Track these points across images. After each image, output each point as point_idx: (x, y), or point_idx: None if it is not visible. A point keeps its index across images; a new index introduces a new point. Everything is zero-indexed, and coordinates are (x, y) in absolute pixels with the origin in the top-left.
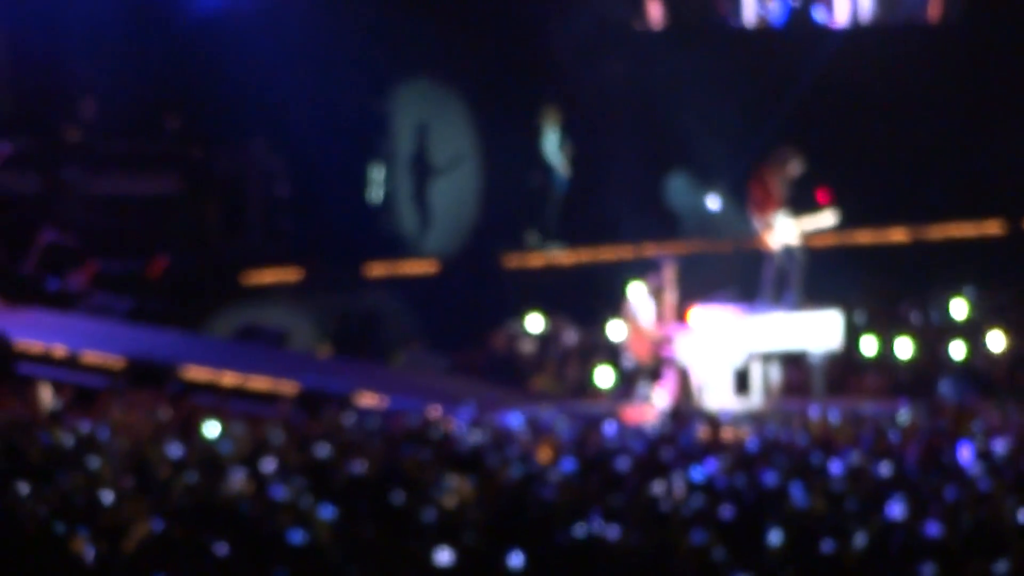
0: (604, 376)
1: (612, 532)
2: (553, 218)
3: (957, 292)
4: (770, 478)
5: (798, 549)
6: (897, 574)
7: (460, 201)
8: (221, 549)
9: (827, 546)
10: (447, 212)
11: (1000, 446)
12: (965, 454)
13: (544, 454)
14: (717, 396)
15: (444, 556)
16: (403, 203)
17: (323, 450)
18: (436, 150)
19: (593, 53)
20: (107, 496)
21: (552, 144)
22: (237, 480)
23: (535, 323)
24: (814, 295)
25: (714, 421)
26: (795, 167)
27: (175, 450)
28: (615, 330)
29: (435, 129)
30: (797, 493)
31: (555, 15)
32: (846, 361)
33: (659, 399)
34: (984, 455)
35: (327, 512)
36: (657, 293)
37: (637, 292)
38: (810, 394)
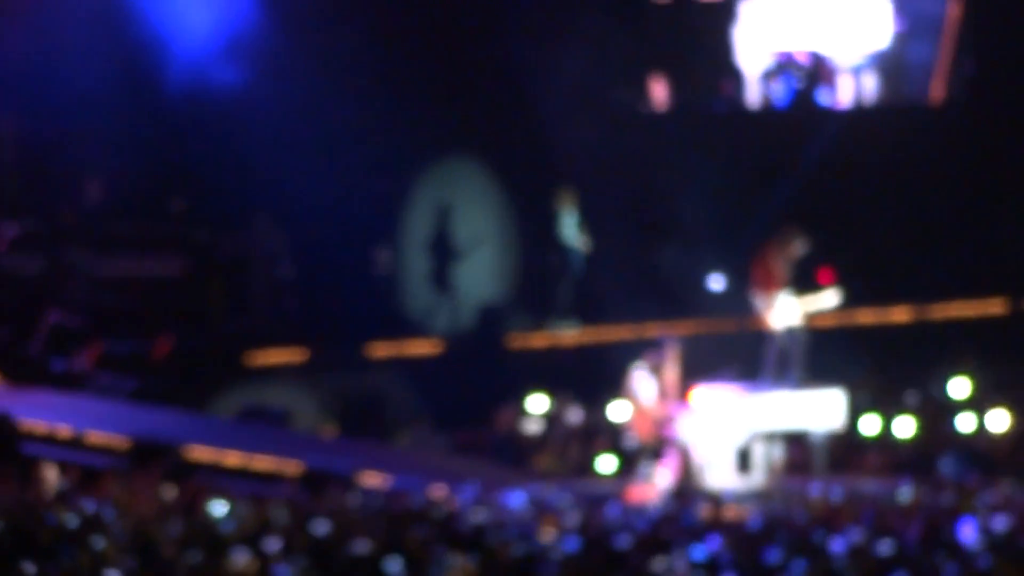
0: (607, 462)
1: None
2: (570, 298)
3: (959, 371)
4: (772, 556)
5: None
6: None
7: (467, 282)
8: None
9: None
10: (455, 292)
11: (1001, 523)
12: (967, 531)
13: (547, 532)
14: (719, 475)
15: None
16: (411, 283)
17: (326, 530)
18: (444, 231)
19: (599, 135)
20: None
21: (569, 226)
22: (240, 559)
23: (538, 403)
24: (816, 374)
25: (716, 500)
26: (798, 247)
27: (178, 529)
28: (617, 410)
29: (444, 210)
30: (799, 571)
31: (564, 98)
32: (848, 440)
33: (661, 478)
34: (985, 532)
35: None
36: (659, 372)
37: (639, 372)
38: (812, 472)
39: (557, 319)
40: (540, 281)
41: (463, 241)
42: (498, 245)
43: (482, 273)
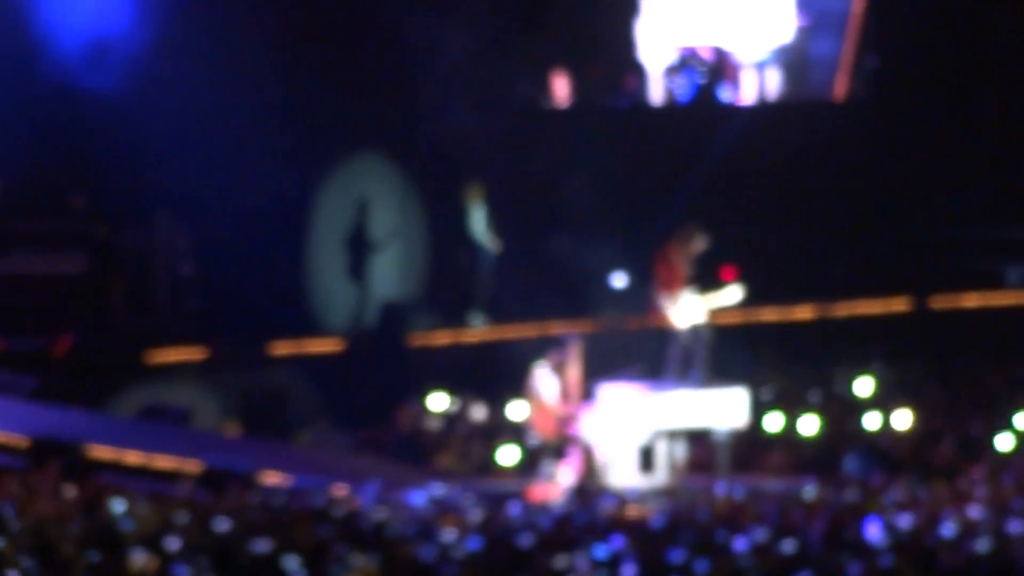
0: (508, 455)
1: None
2: (483, 295)
3: (863, 369)
4: (676, 555)
5: None
6: None
7: (371, 279)
8: None
9: None
10: (359, 289)
11: (905, 522)
12: (873, 530)
13: (449, 531)
14: (622, 474)
15: None
16: (315, 280)
17: (227, 529)
18: (349, 227)
19: (502, 131)
20: None
21: (478, 221)
22: (140, 559)
23: (440, 401)
24: (720, 372)
25: (619, 498)
26: (699, 244)
27: (79, 529)
28: (520, 408)
29: (349, 206)
30: (702, 570)
31: (466, 94)
32: (751, 438)
33: (564, 477)
34: (890, 531)
35: None
36: (562, 370)
37: (542, 370)
38: (715, 471)
39: (470, 316)
40: (449, 277)
41: (368, 237)
42: (404, 241)
43: (386, 270)
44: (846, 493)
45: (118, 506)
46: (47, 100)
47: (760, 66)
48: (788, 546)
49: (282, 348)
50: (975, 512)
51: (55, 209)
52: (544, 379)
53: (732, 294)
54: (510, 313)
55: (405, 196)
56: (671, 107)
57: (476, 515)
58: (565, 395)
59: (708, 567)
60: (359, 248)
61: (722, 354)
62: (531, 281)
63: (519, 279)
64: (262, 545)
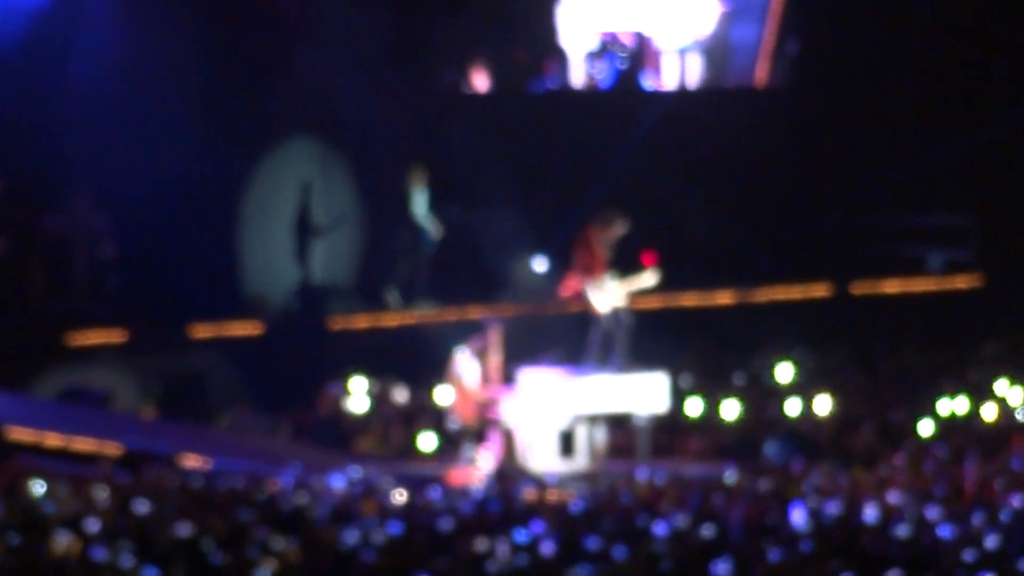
0: (428, 440)
1: None
2: (422, 278)
3: (783, 355)
4: (593, 541)
5: None
6: None
7: (293, 261)
8: None
9: None
10: (280, 272)
11: (826, 508)
12: (797, 516)
13: (369, 514)
14: (542, 458)
15: None
16: (238, 263)
17: (146, 511)
18: (268, 209)
19: (422, 116)
20: None
21: (419, 204)
22: (60, 542)
23: (361, 385)
24: (640, 357)
25: (539, 483)
26: (619, 228)
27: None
28: (441, 392)
29: (275, 189)
30: (621, 555)
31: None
32: (672, 423)
33: (484, 461)
34: (812, 516)
35: (150, 573)
36: (482, 355)
37: (462, 354)
38: (635, 456)
39: (412, 299)
40: (384, 261)
41: (309, 221)
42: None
43: (313, 253)
44: (766, 479)
45: (38, 488)
46: None
47: (681, 52)
48: (708, 531)
49: (202, 331)
50: (895, 498)
51: None
52: (465, 364)
53: (648, 278)
54: (431, 296)
55: (334, 179)
56: (592, 92)
57: (396, 499)
58: (485, 379)
59: (627, 552)
60: (299, 231)
61: (642, 339)
62: (452, 265)
63: (440, 263)
64: (182, 528)
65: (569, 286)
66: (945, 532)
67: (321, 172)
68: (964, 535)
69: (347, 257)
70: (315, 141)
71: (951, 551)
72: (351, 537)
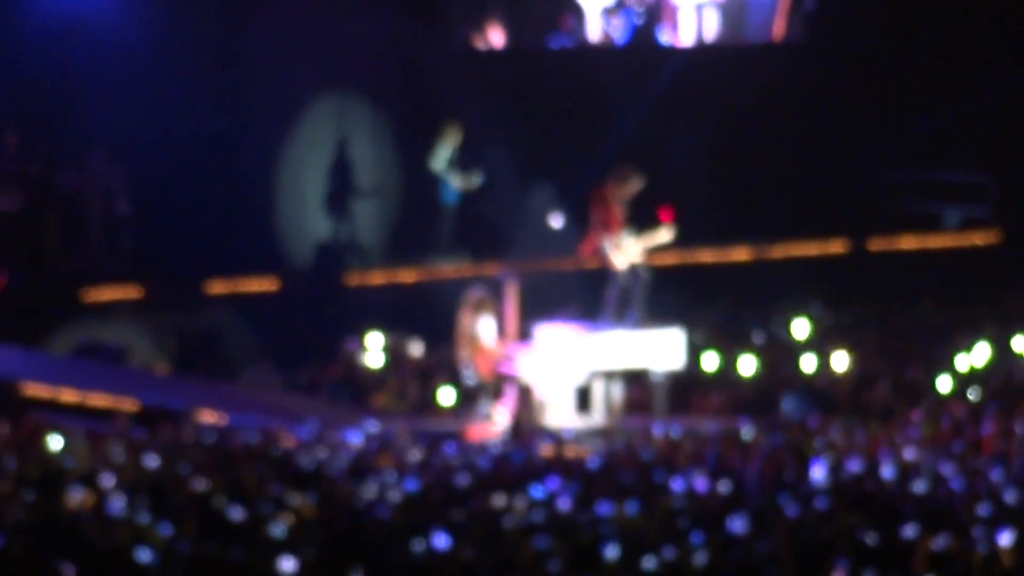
0: (447, 394)
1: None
2: (448, 233)
3: (800, 311)
4: (611, 496)
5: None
6: None
7: (309, 216)
8: (62, 566)
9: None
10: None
11: (843, 464)
12: (817, 472)
13: (386, 470)
14: (558, 414)
15: (286, 566)
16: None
17: (161, 467)
18: (286, 164)
19: (443, 72)
20: None
21: (444, 161)
22: (76, 497)
23: (377, 341)
24: (656, 314)
25: (556, 439)
26: (635, 184)
27: (14, 466)
28: (457, 348)
29: (286, 143)
30: (635, 510)
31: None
32: (688, 379)
33: (500, 417)
34: (829, 473)
35: (165, 529)
36: (498, 310)
37: (479, 309)
38: (652, 412)
39: (438, 254)
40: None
41: (313, 176)
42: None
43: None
44: (782, 434)
45: (55, 443)
46: None
47: (698, 7)
48: (724, 487)
49: (218, 287)
50: (912, 454)
51: None
52: (481, 319)
53: (665, 234)
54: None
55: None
56: (608, 48)
57: (413, 455)
58: (502, 335)
59: (643, 508)
60: (333, 187)
61: (659, 295)
62: (472, 222)
63: (462, 219)
64: (197, 483)
65: (588, 244)
66: (962, 487)
67: (340, 128)
68: (982, 490)
69: (371, 214)
70: (335, 96)
71: (968, 506)
72: (367, 493)
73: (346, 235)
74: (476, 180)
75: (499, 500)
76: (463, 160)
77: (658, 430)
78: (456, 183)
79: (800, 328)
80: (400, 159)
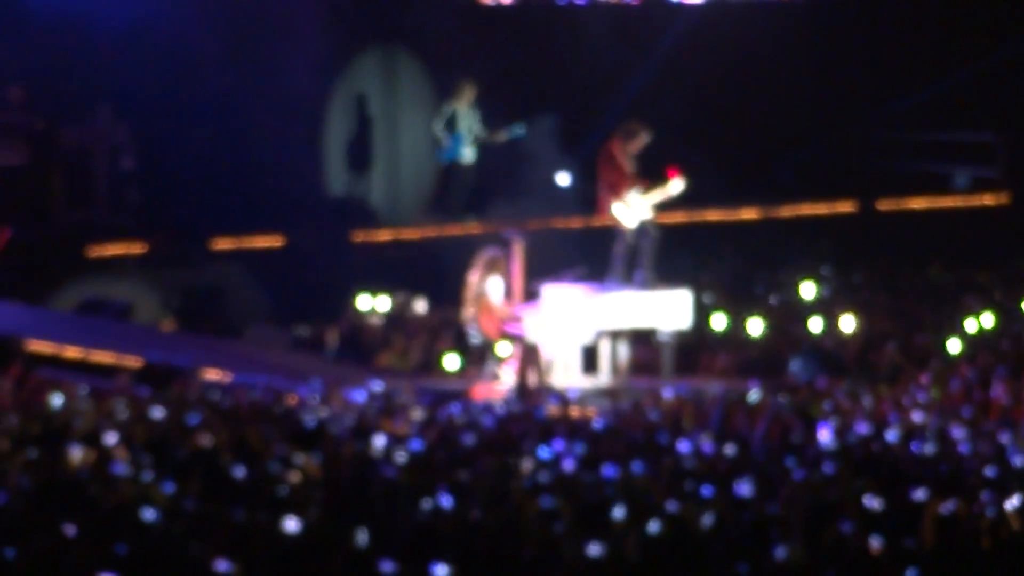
0: (452, 360)
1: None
2: (460, 193)
3: (809, 272)
4: (616, 458)
5: (642, 525)
6: (746, 552)
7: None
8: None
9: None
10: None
11: (852, 426)
12: (824, 435)
13: (390, 429)
14: (565, 374)
15: (290, 526)
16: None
17: (166, 424)
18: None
19: (447, 28)
20: None
21: (450, 120)
22: (79, 455)
23: (382, 300)
24: (664, 274)
25: (562, 399)
26: (642, 139)
27: (16, 424)
28: (462, 307)
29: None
30: (641, 471)
31: None
32: (696, 340)
33: (507, 376)
34: (836, 436)
35: (169, 487)
36: (505, 269)
37: (485, 268)
38: (659, 373)
39: (450, 213)
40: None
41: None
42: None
43: (339, 165)
44: (789, 396)
45: (57, 401)
46: None
47: None
48: (730, 449)
49: (223, 243)
50: (920, 417)
51: None
52: (487, 278)
53: (674, 187)
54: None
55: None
56: (619, 5)
57: (418, 414)
58: (508, 294)
59: (648, 468)
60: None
61: (667, 255)
62: (483, 180)
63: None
64: (201, 441)
65: (601, 205)
66: (971, 451)
67: (354, 85)
68: (991, 454)
69: (382, 172)
70: (344, 53)
71: (977, 470)
72: (372, 453)
73: (359, 193)
74: (518, 131)
75: (505, 460)
76: (488, 114)
77: (665, 392)
78: (471, 147)
79: (809, 289)
80: (412, 117)
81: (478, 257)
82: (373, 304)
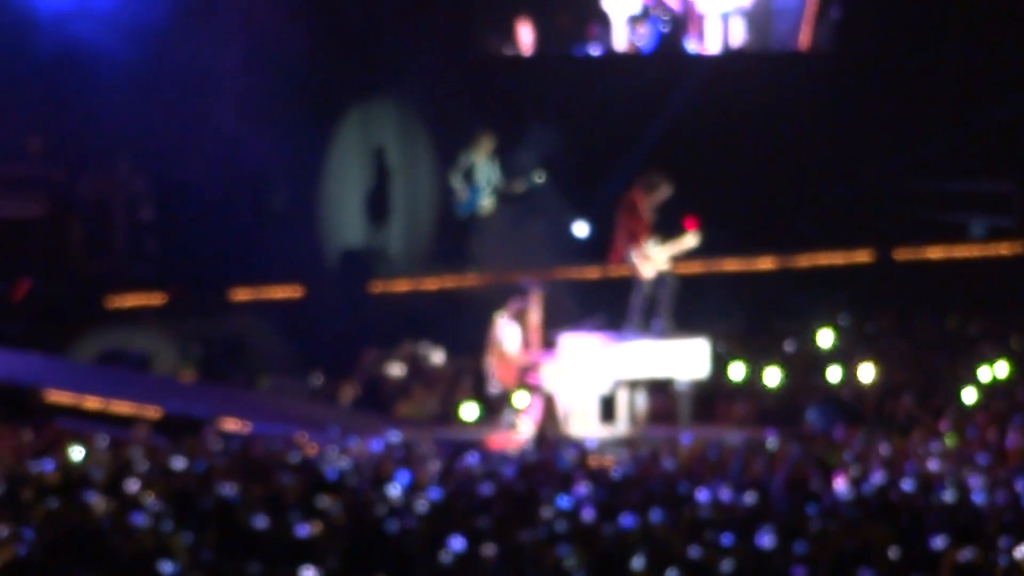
0: (470, 409)
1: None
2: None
3: (826, 321)
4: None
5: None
6: None
7: (333, 224)
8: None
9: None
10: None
11: (868, 476)
12: (840, 484)
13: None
14: (583, 423)
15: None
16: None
17: (186, 475)
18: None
19: (466, 80)
20: None
21: (482, 171)
22: (99, 505)
23: (400, 349)
24: (681, 323)
25: (580, 448)
26: (664, 192)
27: (39, 474)
28: (481, 357)
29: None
30: (661, 520)
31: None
32: (714, 389)
33: (524, 426)
34: (853, 485)
35: (188, 537)
36: (522, 318)
37: (503, 318)
38: (676, 422)
39: (467, 265)
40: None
41: (342, 184)
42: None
43: (353, 216)
44: (807, 445)
45: (77, 452)
46: (2, 44)
47: (724, 16)
48: (750, 499)
49: (241, 294)
50: (937, 466)
51: (11, 152)
52: (505, 328)
53: (691, 241)
54: (471, 261)
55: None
56: (635, 56)
57: (436, 464)
58: (526, 344)
59: (669, 518)
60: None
61: (684, 304)
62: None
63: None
64: (221, 491)
65: (617, 252)
66: (988, 499)
67: (371, 136)
68: (1008, 502)
69: (403, 223)
70: (360, 104)
71: (994, 518)
72: (391, 502)
73: (378, 244)
74: (537, 180)
75: (522, 509)
76: (506, 165)
77: (683, 440)
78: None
79: (826, 338)
80: (431, 168)
81: (504, 308)
82: (391, 354)
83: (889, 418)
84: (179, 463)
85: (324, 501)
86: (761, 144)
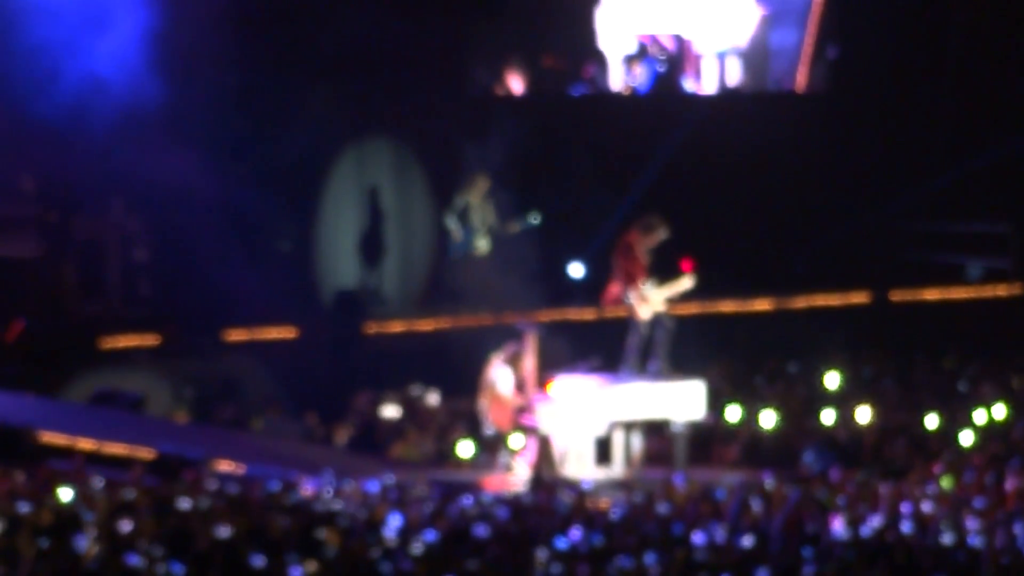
0: (466, 447)
1: None
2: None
3: (822, 363)
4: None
5: None
6: None
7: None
8: None
9: None
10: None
11: (864, 518)
12: (837, 526)
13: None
14: (578, 465)
15: None
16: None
17: (180, 515)
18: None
19: (456, 119)
20: None
21: (476, 212)
22: (91, 545)
23: (396, 391)
24: (678, 364)
25: (576, 490)
26: (661, 234)
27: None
28: (476, 399)
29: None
30: (655, 563)
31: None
32: (710, 431)
33: (520, 468)
34: (850, 527)
35: None
36: (516, 361)
37: (498, 360)
38: (672, 464)
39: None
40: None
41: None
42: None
43: (348, 257)
44: (803, 487)
45: (68, 494)
46: None
47: (720, 56)
48: (747, 541)
49: (235, 335)
50: (932, 508)
51: (5, 193)
52: (500, 369)
53: (686, 283)
54: (466, 302)
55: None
56: (630, 96)
57: (431, 506)
58: (521, 385)
59: (663, 560)
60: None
61: (680, 346)
62: (487, 271)
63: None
64: (215, 532)
65: (611, 293)
66: (985, 542)
67: (364, 177)
68: (1005, 545)
69: (397, 264)
70: (355, 144)
71: (992, 561)
72: (385, 544)
73: (372, 284)
74: (532, 221)
75: (519, 552)
76: (502, 206)
77: (678, 482)
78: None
79: (822, 379)
80: (426, 209)
81: (499, 351)
82: (386, 395)
83: (886, 460)
84: (169, 508)
85: (319, 542)
86: (757, 185)
